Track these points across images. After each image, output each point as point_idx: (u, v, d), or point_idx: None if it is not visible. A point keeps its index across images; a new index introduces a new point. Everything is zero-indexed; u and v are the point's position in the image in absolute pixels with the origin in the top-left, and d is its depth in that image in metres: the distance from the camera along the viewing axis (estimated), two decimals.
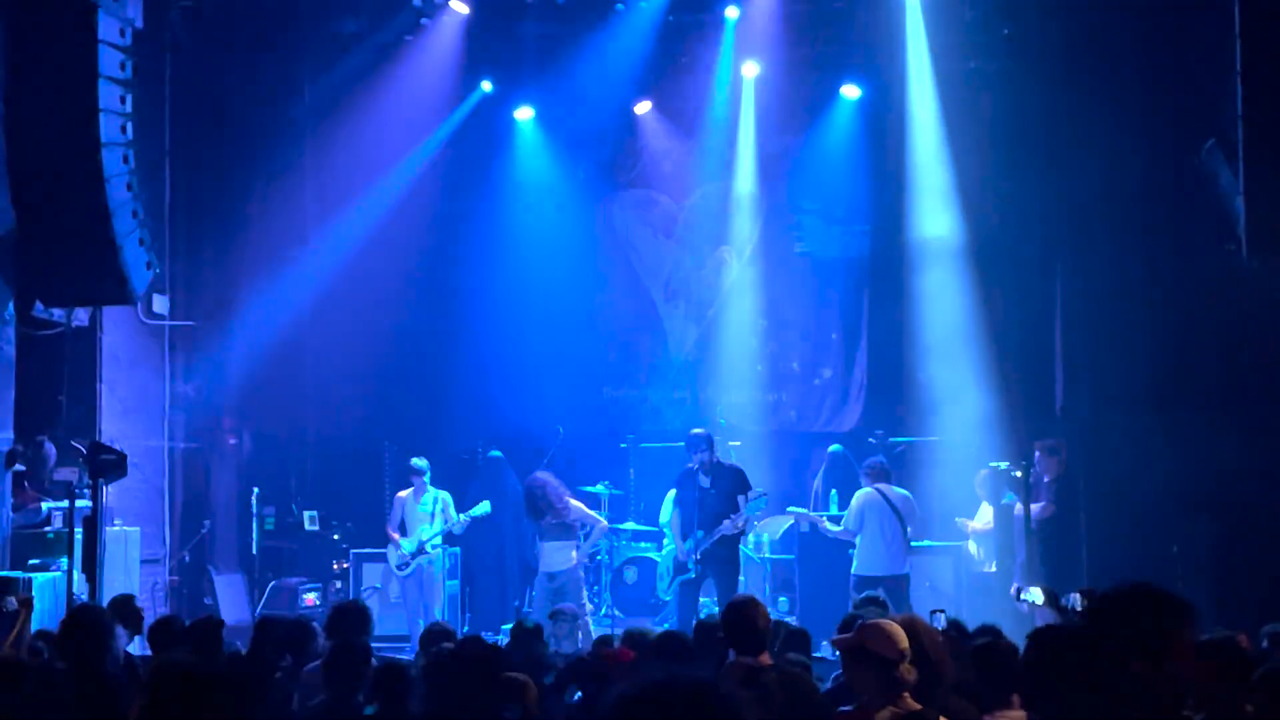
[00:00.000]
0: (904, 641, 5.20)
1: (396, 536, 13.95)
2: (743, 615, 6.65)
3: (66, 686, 5.21)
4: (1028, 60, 14.49)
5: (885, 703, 5.16)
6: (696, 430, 13.15)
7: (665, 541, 14.81)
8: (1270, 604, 10.90)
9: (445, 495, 14.05)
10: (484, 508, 13.86)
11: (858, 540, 12.74)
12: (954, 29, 14.95)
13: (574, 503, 13.23)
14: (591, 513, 13.42)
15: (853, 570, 12.75)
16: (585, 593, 13.24)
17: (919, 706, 5.14)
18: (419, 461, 14.06)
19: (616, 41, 15.35)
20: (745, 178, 16.59)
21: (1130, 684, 3.86)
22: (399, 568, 13.90)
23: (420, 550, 13.79)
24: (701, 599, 12.83)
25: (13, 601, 8.33)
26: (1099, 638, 4.02)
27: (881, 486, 12.79)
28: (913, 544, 12.89)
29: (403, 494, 14.14)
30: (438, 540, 13.89)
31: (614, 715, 3.04)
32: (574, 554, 12.94)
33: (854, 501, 12.90)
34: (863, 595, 10.00)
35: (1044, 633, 5.01)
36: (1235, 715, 5.42)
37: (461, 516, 13.87)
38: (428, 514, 13.89)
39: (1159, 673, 3.82)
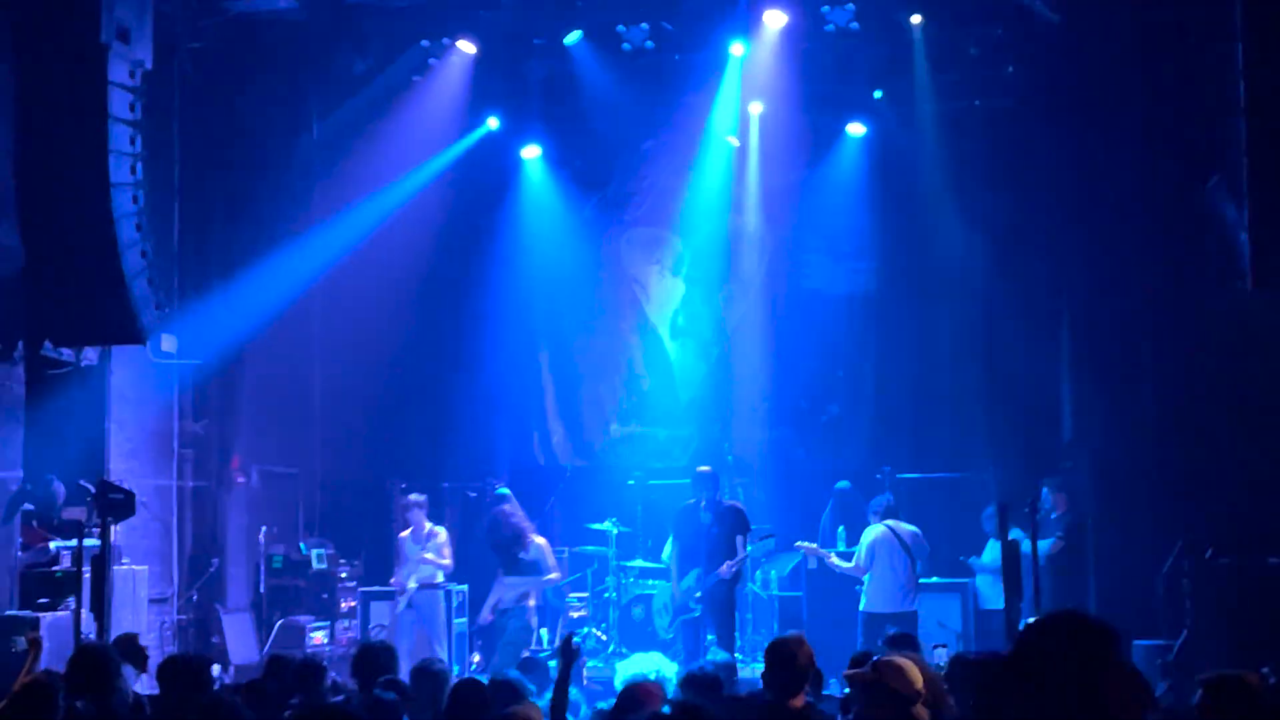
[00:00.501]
0: (919, 680, 5.20)
1: (398, 575, 14.06)
2: (784, 653, 6.60)
3: None
4: (1032, 98, 14.55)
5: None
6: (703, 468, 13.15)
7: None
8: None
9: (440, 531, 14.06)
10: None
11: (865, 577, 12.71)
12: (959, 67, 15.02)
13: (537, 539, 13.26)
14: (551, 559, 13.42)
15: (861, 608, 12.73)
16: (532, 638, 13.23)
17: None
18: (416, 496, 14.16)
19: (623, 80, 15.43)
20: (751, 215, 16.65)
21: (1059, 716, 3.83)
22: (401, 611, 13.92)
23: (402, 589, 13.84)
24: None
25: (22, 641, 8.33)
26: (1026, 672, 3.99)
27: (891, 523, 12.78)
28: (921, 580, 12.87)
29: (403, 535, 14.23)
30: (428, 574, 13.82)
31: None
32: (531, 596, 12.98)
33: (864, 538, 12.86)
34: (892, 634, 9.90)
35: (989, 667, 5.05)
36: None
37: (440, 567, 13.85)
38: (420, 550, 13.92)
39: (1086, 705, 3.78)
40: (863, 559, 12.76)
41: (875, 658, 5.54)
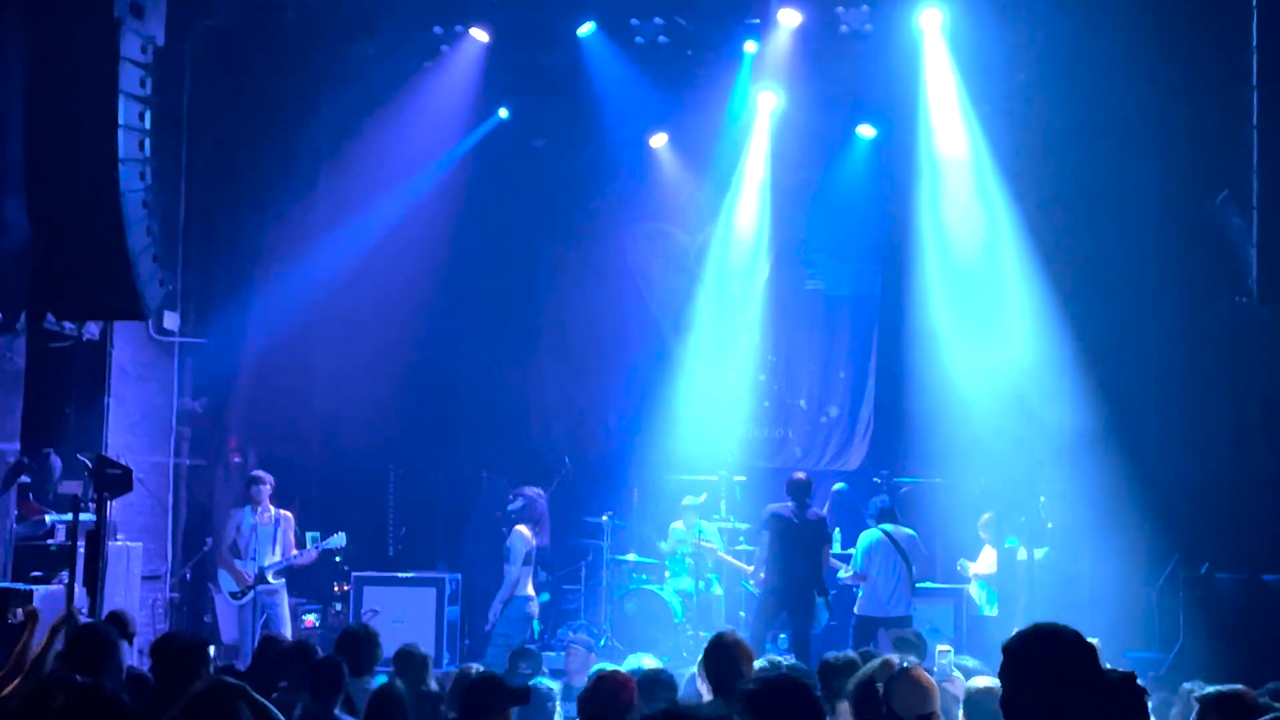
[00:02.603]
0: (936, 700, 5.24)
1: (231, 561, 13.35)
2: (727, 655, 6.52)
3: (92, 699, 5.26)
4: (1042, 107, 14.53)
5: None
6: (799, 475, 13.05)
7: (669, 575, 14.83)
8: (1278, 653, 10.89)
9: (287, 516, 13.57)
10: (338, 540, 13.45)
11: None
12: (970, 75, 14.99)
13: (518, 528, 12.81)
14: (518, 548, 12.75)
15: (856, 610, 12.77)
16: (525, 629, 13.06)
17: None
18: (260, 473, 13.60)
19: (635, 74, 15.40)
20: (759, 213, 16.63)
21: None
22: (232, 595, 13.28)
23: (261, 578, 13.21)
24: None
25: (19, 613, 8.33)
26: (1007, 687, 3.99)
27: (888, 527, 12.78)
28: (916, 585, 12.87)
29: (238, 509, 13.56)
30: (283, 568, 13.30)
31: None
32: (518, 585, 12.66)
33: (860, 543, 12.90)
34: (901, 640, 9.88)
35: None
36: None
37: (310, 546, 13.41)
38: (269, 536, 13.39)
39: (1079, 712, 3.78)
40: (860, 564, 12.78)
41: (880, 657, 5.55)
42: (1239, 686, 5.87)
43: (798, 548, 12.62)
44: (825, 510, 14.56)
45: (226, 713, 4.55)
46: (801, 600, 12.58)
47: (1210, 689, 5.96)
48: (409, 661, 8.39)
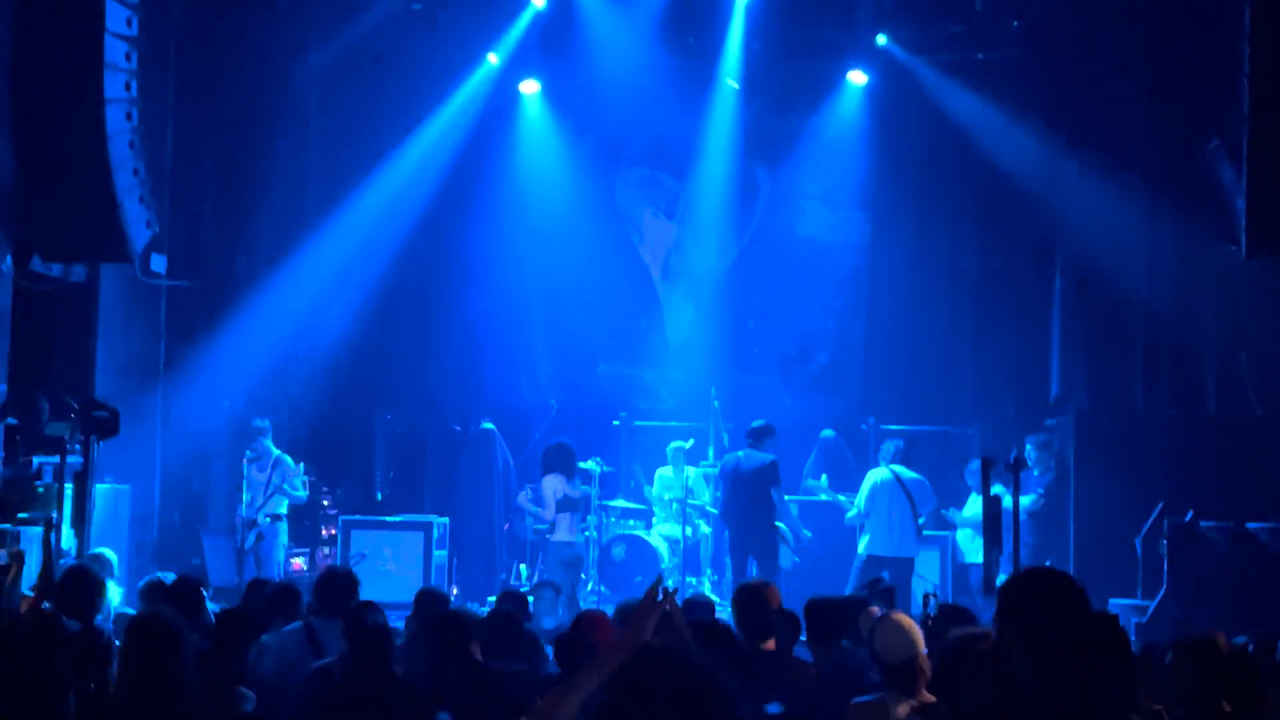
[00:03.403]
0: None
1: (233, 506, 13.52)
2: (755, 599, 6.63)
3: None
4: (1035, 54, 14.48)
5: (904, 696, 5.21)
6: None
7: (654, 519, 14.89)
8: (1261, 603, 10.97)
9: (286, 460, 13.69)
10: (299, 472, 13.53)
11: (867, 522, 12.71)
12: (963, 20, 14.92)
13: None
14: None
15: (860, 550, 12.72)
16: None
17: (933, 699, 5.18)
18: (260, 421, 13.74)
19: (625, 18, 15.30)
20: (749, 160, 16.56)
21: (1027, 675, 3.87)
22: (240, 541, 13.32)
23: (252, 522, 13.25)
24: None
25: (3, 555, 8.34)
26: (998, 628, 4.06)
27: (896, 468, 12.74)
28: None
29: (246, 460, 13.66)
30: (280, 509, 13.43)
31: (608, 694, 3.10)
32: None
33: (866, 482, 12.85)
34: (870, 580, 9.91)
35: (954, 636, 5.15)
36: (1213, 714, 5.46)
37: (301, 486, 13.50)
38: (262, 482, 13.48)
39: (1045, 660, 3.82)
40: (862, 504, 12.75)
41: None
42: (1213, 633, 5.92)
43: (744, 494, 12.92)
44: (810, 460, 14.66)
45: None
46: (754, 543, 12.86)
47: (1183, 636, 6.02)
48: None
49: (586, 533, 14.55)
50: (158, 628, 5.16)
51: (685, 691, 3.09)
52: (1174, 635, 6.94)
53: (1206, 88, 12.84)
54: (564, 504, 13.02)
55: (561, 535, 13.00)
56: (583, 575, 13.68)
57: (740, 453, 13.16)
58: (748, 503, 12.91)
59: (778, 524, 13.05)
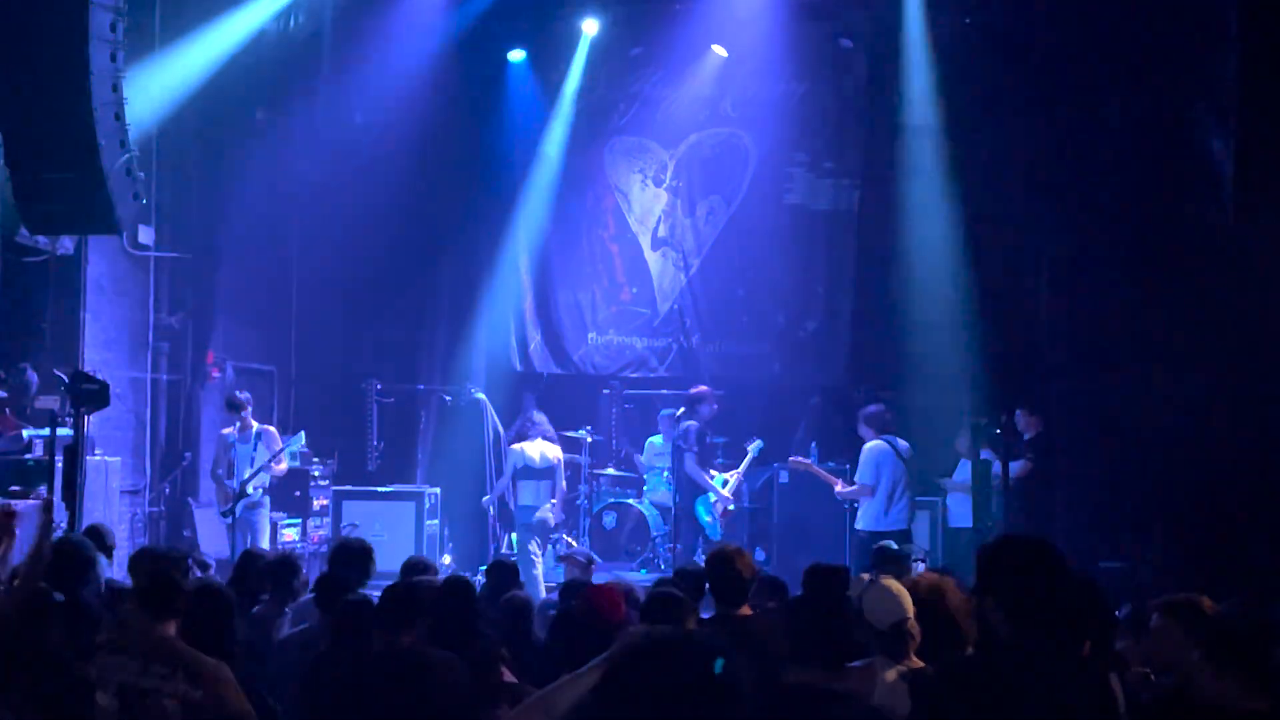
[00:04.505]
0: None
1: (220, 479, 13.43)
2: (728, 566, 6.67)
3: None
4: (1023, 18, 14.44)
5: (893, 661, 5.23)
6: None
7: (645, 488, 14.95)
8: (1247, 566, 11.04)
9: (270, 431, 13.65)
10: (298, 440, 13.60)
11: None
12: None
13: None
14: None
15: (859, 525, 12.39)
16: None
17: (922, 664, 5.20)
18: (240, 394, 13.67)
19: None
20: (736, 127, 16.54)
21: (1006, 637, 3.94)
22: (222, 515, 13.29)
23: (241, 494, 13.03)
24: None
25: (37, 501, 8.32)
26: (978, 591, 4.16)
27: (890, 437, 12.49)
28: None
29: (226, 430, 13.64)
30: (262, 481, 13.28)
31: (611, 672, 3.15)
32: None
33: (867, 455, 12.37)
34: (881, 553, 9.76)
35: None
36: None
37: (286, 455, 13.47)
38: (248, 454, 13.38)
39: (1023, 624, 3.88)
40: (868, 476, 12.28)
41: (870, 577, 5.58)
42: (1196, 595, 5.94)
43: (671, 464, 13.52)
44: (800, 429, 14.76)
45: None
46: (678, 512, 13.31)
47: (1168, 597, 6.05)
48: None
49: (578, 501, 14.61)
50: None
51: (686, 676, 3.13)
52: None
53: (1194, 52, 12.82)
54: (522, 472, 13.29)
55: (525, 501, 13.31)
56: (551, 540, 13.74)
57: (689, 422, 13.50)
58: (676, 473, 13.54)
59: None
